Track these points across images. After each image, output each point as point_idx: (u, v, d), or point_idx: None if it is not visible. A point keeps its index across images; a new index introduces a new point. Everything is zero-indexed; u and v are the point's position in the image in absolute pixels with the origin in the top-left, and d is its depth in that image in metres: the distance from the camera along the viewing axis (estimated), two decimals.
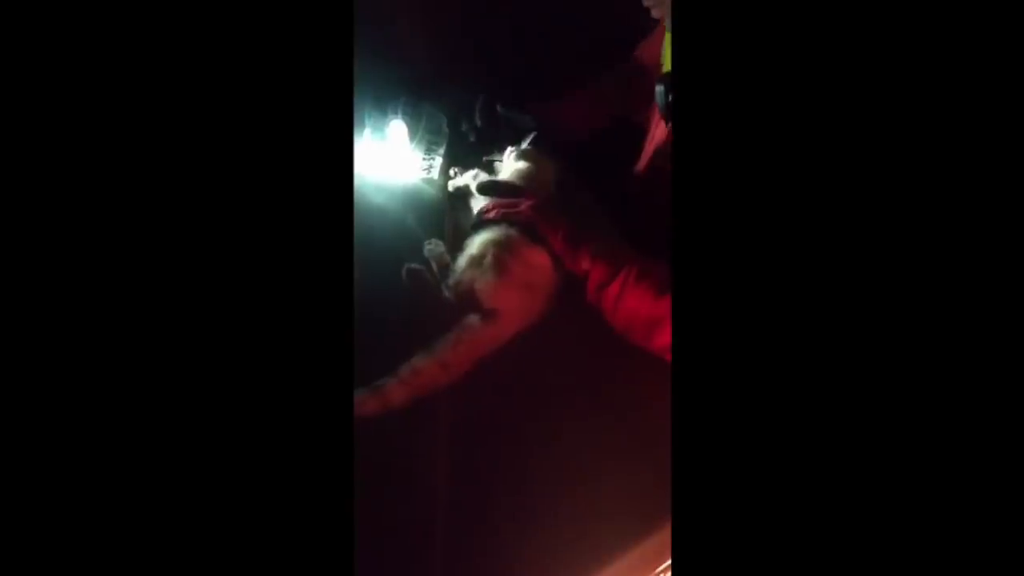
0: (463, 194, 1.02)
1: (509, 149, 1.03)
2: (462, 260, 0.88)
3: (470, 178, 1.01)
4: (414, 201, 1.05)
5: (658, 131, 1.01)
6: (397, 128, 1.07)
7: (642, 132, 1.07)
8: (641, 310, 0.80)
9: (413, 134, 1.09)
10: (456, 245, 0.92)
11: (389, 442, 0.75)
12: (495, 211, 0.91)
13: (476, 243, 0.89)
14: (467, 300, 0.86)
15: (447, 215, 1.02)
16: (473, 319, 0.85)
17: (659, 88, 0.90)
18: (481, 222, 0.91)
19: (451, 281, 0.88)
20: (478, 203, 0.97)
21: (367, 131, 1.09)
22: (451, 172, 1.05)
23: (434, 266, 0.92)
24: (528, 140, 1.04)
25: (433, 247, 0.93)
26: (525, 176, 0.98)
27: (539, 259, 0.87)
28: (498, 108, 1.10)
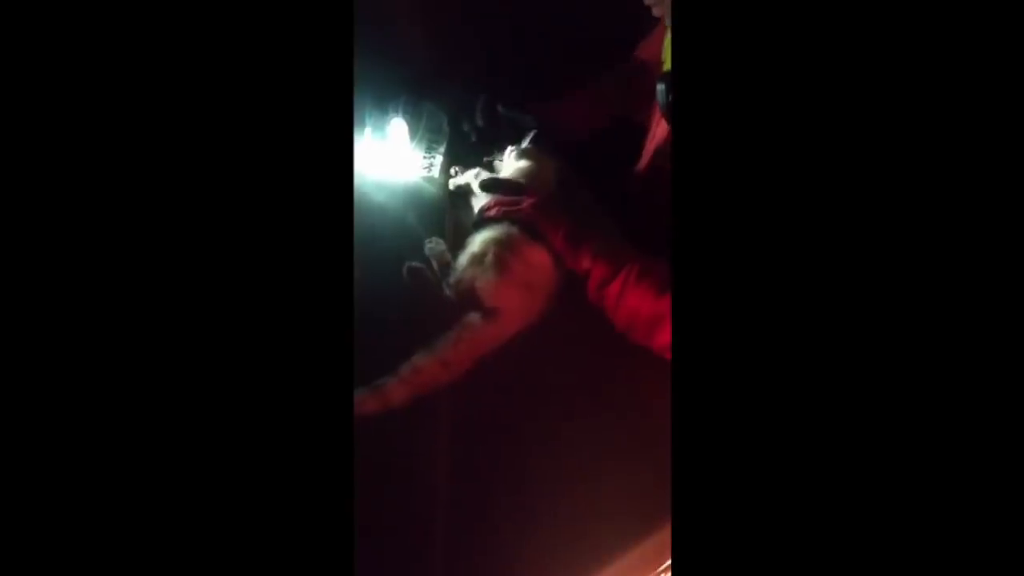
0: (464, 192, 1.02)
1: (510, 148, 1.03)
2: (463, 258, 0.88)
3: (471, 177, 1.01)
4: (415, 199, 1.05)
5: (659, 130, 1.01)
6: (398, 126, 1.07)
7: (643, 131, 1.07)
8: (642, 309, 0.80)
9: (414, 133, 1.09)
10: (457, 243, 0.92)
11: (389, 441, 0.75)
12: (496, 209, 0.91)
13: (477, 241, 0.89)
14: (468, 298, 0.86)
15: (448, 213, 1.02)
16: (474, 318, 0.85)
17: (660, 87, 0.89)
18: (482, 220, 0.91)
19: (452, 279, 0.88)
20: (479, 201, 0.97)
21: (368, 129, 1.08)
22: (452, 171, 1.05)
23: (435, 264, 0.92)
24: (529, 139, 1.04)
25: (434, 245, 0.93)
26: (526, 175, 0.98)
27: (540, 258, 0.87)
28: (499, 108, 1.10)
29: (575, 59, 1.24)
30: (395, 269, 0.91)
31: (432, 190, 1.06)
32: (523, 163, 1.00)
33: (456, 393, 0.81)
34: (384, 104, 1.11)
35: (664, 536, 0.73)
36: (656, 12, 0.92)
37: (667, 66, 0.97)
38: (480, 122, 1.11)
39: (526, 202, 0.90)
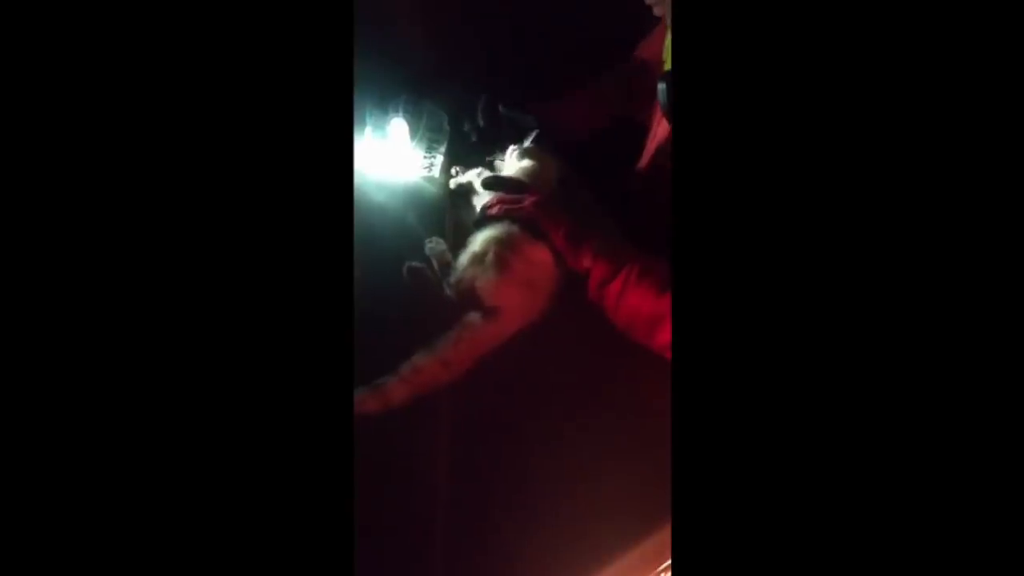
0: (464, 192, 1.02)
1: (511, 148, 1.03)
2: (463, 258, 0.88)
3: (472, 176, 1.01)
4: (415, 199, 1.05)
5: (660, 129, 1.01)
6: (398, 126, 1.07)
7: (644, 130, 1.07)
8: (643, 308, 0.80)
9: (414, 132, 1.09)
10: (457, 243, 0.92)
11: (390, 441, 0.75)
12: (497, 208, 0.91)
13: (478, 240, 0.89)
14: (468, 298, 0.86)
15: (448, 213, 1.02)
16: (474, 317, 0.85)
17: (661, 86, 0.89)
18: (483, 219, 0.91)
19: (452, 279, 0.88)
20: (479, 200, 0.97)
21: (368, 129, 1.08)
22: (452, 171, 1.05)
23: (435, 264, 0.92)
24: (529, 139, 1.04)
25: (434, 245, 0.93)
26: (527, 174, 0.98)
27: (541, 257, 0.87)
28: (500, 108, 1.10)
29: (575, 59, 1.24)
30: (395, 269, 0.91)
31: (432, 190, 1.06)
32: (524, 163, 1.00)
33: (456, 393, 0.81)
34: (384, 104, 1.11)
35: (664, 536, 0.73)
36: (657, 11, 0.92)
37: (668, 65, 0.97)
38: (481, 122, 1.11)
39: (527, 201, 0.90)
